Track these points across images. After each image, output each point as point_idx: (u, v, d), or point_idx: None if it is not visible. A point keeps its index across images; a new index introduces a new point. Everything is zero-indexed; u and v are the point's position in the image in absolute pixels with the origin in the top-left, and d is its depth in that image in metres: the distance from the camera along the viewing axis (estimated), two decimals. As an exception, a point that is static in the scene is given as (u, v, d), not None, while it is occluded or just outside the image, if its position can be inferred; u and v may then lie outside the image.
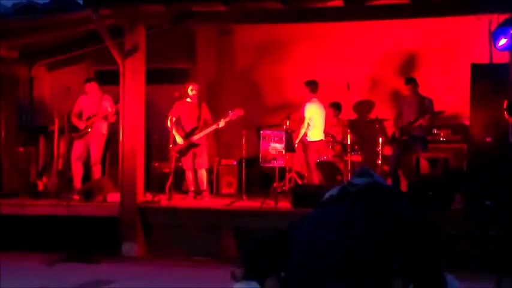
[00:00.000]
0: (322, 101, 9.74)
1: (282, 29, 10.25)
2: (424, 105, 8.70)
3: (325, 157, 9.63)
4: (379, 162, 9.63)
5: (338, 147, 9.87)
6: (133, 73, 8.40)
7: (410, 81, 8.86)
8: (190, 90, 9.15)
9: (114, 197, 8.83)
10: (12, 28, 9.80)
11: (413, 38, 10.29)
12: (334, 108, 10.08)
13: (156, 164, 10.13)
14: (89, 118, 9.46)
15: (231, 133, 9.75)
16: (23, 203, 8.97)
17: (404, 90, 9.20)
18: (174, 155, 9.14)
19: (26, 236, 8.44)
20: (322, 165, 9.55)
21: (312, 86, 9.33)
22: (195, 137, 9.07)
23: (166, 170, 9.66)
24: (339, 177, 9.47)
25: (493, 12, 8.32)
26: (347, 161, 9.43)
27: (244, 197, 8.66)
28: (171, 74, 11.35)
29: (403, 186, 8.94)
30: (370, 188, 2.56)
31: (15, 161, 10.27)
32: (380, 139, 9.63)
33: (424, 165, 7.87)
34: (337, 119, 10.11)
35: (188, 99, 9.22)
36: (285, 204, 8.35)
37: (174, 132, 9.07)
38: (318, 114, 9.31)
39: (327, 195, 2.63)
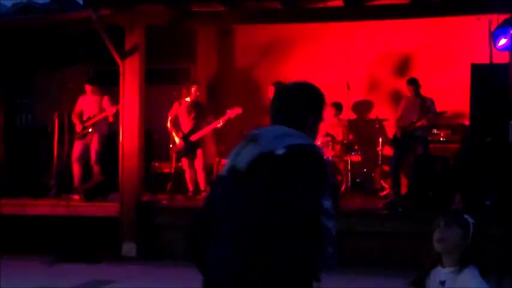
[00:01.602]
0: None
1: (282, 29, 10.25)
2: (425, 106, 8.70)
3: (325, 157, 9.63)
4: (379, 162, 9.64)
5: (338, 147, 9.87)
6: (133, 73, 8.40)
7: (413, 82, 8.86)
8: (195, 91, 9.17)
9: (114, 197, 8.84)
10: (12, 28, 9.80)
11: (414, 38, 10.29)
12: (335, 108, 10.07)
13: (156, 164, 10.13)
14: (89, 118, 9.46)
15: (231, 133, 9.74)
16: (23, 203, 8.97)
17: (405, 90, 9.20)
18: (173, 155, 9.14)
19: (26, 236, 8.44)
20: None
21: None
22: (195, 137, 9.07)
23: (166, 170, 9.66)
24: (339, 177, 9.48)
25: (493, 12, 8.32)
26: (347, 161, 9.43)
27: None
28: (171, 74, 11.35)
29: (403, 186, 8.95)
30: (256, 166, 2.24)
31: (15, 161, 10.27)
32: (380, 139, 9.64)
33: (424, 165, 7.86)
34: (337, 119, 10.10)
35: (187, 99, 9.22)
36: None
37: (173, 132, 9.08)
38: None
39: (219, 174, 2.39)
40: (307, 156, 2.25)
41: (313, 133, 2.48)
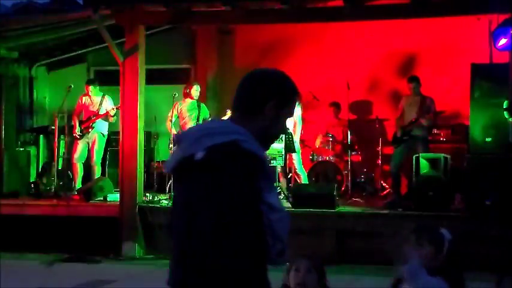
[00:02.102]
0: (322, 101, 9.78)
1: (282, 29, 10.25)
2: (425, 105, 8.69)
3: (325, 157, 9.63)
4: (379, 162, 9.64)
5: (338, 147, 9.87)
6: (133, 73, 8.40)
7: (413, 80, 8.85)
8: (194, 91, 9.16)
9: (114, 197, 8.84)
10: (12, 28, 9.81)
11: (413, 38, 10.29)
12: (334, 107, 10.08)
13: (156, 164, 10.13)
14: (89, 118, 9.46)
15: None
16: (23, 203, 8.98)
17: (405, 89, 9.19)
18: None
19: (26, 236, 8.44)
20: (321, 166, 9.56)
21: None
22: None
23: (167, 170, 9.65)
24: (339, 177, 9.48)
25: (493, 12, 8.32)
26: (347, 161, 9.43)
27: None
28: (171, 74, 11.35)
29: (403, 186, 8.95)
30: (179, 171, 2.17)
31: (15, 161, 10.27)
32: (380, 139, 9.64)
33: (424, 165, 7.85)
34: (337, 119, 10.11)
35: (188, 99, 9.22)
36: (285, 204, 8.37)
37: (173, 132, 9.07)
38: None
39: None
40: (228, 156, 2.06)
41: (271, 121, 2.19)
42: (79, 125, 9.48)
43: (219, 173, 2.05)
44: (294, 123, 9.02)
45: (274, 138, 2.30)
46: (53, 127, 9.81)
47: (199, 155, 2.07)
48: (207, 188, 2.05)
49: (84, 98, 9.66)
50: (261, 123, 2.19)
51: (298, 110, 9.15)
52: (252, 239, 2.04)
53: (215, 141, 2.08)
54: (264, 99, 2.18)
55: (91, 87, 9.60)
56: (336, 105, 10.09)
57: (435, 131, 9.41)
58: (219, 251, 2.01)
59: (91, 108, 9.52)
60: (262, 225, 2.07)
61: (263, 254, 2.09)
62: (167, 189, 9.04)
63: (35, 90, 11.60)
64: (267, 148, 2.26)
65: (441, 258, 2.58)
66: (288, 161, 9.23)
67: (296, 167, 9.05)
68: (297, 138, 9.08)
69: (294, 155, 9.01)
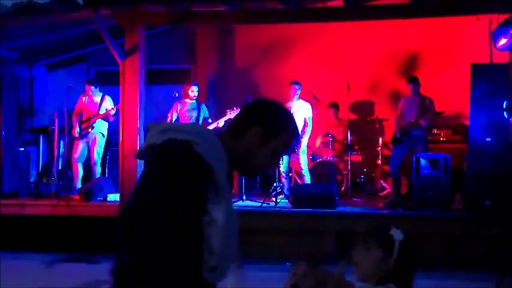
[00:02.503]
0: (322, 101, 9.78)
1: (282, 29, 10.25)
2: (424, 105, 8.69)
3: (325, 157, 9.63)
4: (379, 162, 9.64)
5: (338, 147, 9.88)
6: (133, 73, 8.40)
7: (412, 80, 8.85)
8: (191, 91, 9.14)
9: (114, 197, 8.84)
10: (12, 28, 9.80)
11: (413, 38, 10.29)
12: (333, 108, 10.10)
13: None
14: (89, 118, 9.46)
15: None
16: (23, 203, 8.97)
17: (405, 89, 9.19)
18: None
19: (26, 236, 8.44)
20: (321, 166, 9.55)
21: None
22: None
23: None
24: (339, 177, 9.48)
25: (493, 12, 8.31)
26: (347, 161, 9.43)
27: (244, 197, 8.65)
28: (171, 74, 11.35)
29: (403, 186, 8.95)
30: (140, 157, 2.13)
31: (15, 161, 10.27)
32: (380, 139, 9.64)
33: (424, 165, 7.86)
34: (337, 120, 10.12)
35: (187, 100, 9.21)
36: (285, 204, 8.37)
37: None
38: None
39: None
40: (170, 153, 1.99)
41: (254, 149, 2.12)
42: (79, 125, 9.48)
43: (152, 167, 2.02)
44: (304, 122, 9.04)
45: (256, 169, 2.21)
46: (53, 127, 9.80)
47: (157, 144, 2.04)
48: (139, 179, 2.03)
49: (84, 97, 9.66)
50: (243, 147, 2.13)
51: (309, 111, 9.16)
52: (164, 244, 1.92)
53: (172, 136, 2.03)
54: (249, 122, 2.13)
55: (91, 88, 9.60)
56: (335, 106, 10.10)
57: (435, 131, 9.41)
58: (124, 247, 1.98)
59: (91, 108, 9.53)
60: (197, 235, 1.98)
61: (183, 263, 1.97)
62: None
63: (35, 90, 11.60)
64: (246, 175, 2.17)
65: (391, 262, 2.29)
66: (293, 162, 9.25)
67: (302, 168, 9.07)
68: (305, 140, 9.12)
69: (301, 156, 9.02)
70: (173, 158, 1.99)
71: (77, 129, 9.45)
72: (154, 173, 2.00)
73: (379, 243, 2.29)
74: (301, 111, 9.06)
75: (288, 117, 2.20)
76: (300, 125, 9.02)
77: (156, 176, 1.98)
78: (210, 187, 2.00)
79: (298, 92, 9.13)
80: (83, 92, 9.72)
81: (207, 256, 2.00)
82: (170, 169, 1.98)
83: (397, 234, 2.30)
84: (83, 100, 9.65)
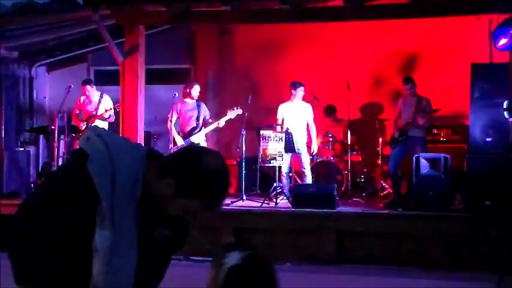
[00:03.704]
0: (322, 101, 9.79)
1: (282, 29, 10.25)
2: (421, 105, 8.68)
3: (325, 157, 9.63)
4: (379, 162, 9.64)
5: (338, 147, 9.88)
6: (133, 73, 8.40)
7: (408, 81, 8.84)
8: (194, 91, 9.14)
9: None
10: (12, 28, 9.81)
11: (413, 38, 10.29)
12: (329, 112, 10.13)
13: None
14: (88, 118, 9.46)
15: (231, 133, 9.74)
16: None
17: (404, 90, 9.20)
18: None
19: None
20: (321, 166, 9.56)
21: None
22: (195, 137, 9.06)
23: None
24: (339, 177, 9.48)
25: (493, 12, 8.31)
26: (347, 161, 9.43)
27: (244, 197, 8.65)
28: (171, 74, 11.35)
29: (403, 186, 8.94)
30: None
31: (15, 161, 10.26)
32: (380, 139, 9.64)
33: (424, 165, 7.85)
34: (336, 121, 10.14)
35: (188, 99, 9.21)
36: (285, 204, 8.37)
37: (173, 132, 9.07)
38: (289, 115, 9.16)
39: None
40: (67, 160, 2.03)
41: (166, 196, 2.01)
42: (81, 123, 9.48)
43: (52, 173, 2.10)
44: (307, 126, 9.05)
45: (167, 214, 2.07)
46: (53, 127, 9.80)
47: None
48: None
49: (82, 98, 9.66)
50: (158, 190, 2.02)
51: (310, 112, 9.14)
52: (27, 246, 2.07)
53: (84, 146, 2.01)
54: (169, 171, 2.01)
55: (87, 87, 9.59)
56: (331, 110, 10.10)
57: (435, 131, 9.41)
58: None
59: (90, 108, 9.52)
60: (67, 247, 1.97)
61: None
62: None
63: (35, 90, 11.60)
64: (156, 218, 2.08)
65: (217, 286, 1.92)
66: (294, 162, 9.24)
67: (305, 168, 9.05)
68: (317, 142, 9.16)
69: (304, 156, 9.00)
70: (64, 170, 2.09)
71: (81, 127, 9.44)
72: (47, 179, 2.16)
73: (213, 263, 1.97)
74: (301, 112, 9.06)
75: (207, 184, 2.02)
76: (302, 127, 9.02)
77: (46, 181, 2.04)
78: (97, 210, 1.96)
79: (303, 94, 9.10)
80: (83, 92, 9.71)
81: (99, 266, 1.97)
82: (56, 179, 2.07)
83: (232, 259, 1.93)
84: (81, 101, 9.65)
